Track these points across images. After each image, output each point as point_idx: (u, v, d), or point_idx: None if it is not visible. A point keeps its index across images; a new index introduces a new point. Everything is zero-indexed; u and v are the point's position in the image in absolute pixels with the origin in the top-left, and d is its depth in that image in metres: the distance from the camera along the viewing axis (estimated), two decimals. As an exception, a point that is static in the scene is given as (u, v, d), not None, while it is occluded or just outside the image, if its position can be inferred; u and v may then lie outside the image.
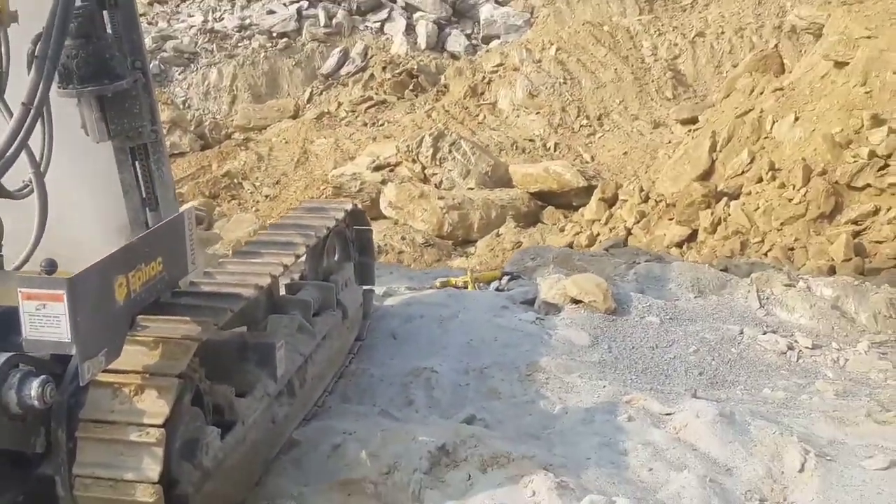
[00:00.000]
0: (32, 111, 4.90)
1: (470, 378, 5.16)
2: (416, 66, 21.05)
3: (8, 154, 4.79)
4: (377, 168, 16.55)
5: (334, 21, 21.60)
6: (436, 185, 16.02)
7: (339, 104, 20.12)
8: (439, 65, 21.72)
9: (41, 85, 4.93)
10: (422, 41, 22.20)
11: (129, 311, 3.47)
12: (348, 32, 21.71)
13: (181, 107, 18.31)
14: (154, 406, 3.32)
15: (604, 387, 5.07)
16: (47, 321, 3.11)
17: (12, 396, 3.16)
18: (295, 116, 19.60)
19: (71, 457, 3.34)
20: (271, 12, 21.05)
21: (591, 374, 5.23)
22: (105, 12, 5.74)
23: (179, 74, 18.86)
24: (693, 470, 4.15)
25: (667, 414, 4.76)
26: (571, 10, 20.95)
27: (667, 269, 7.03)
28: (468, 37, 23.01)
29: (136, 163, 6.22)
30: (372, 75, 21.42)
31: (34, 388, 3.17)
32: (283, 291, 4.98)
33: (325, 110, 19.78)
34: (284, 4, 21.48)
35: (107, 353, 3.31)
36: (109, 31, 5.79)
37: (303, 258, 5.04)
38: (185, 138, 17.30)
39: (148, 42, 18.71)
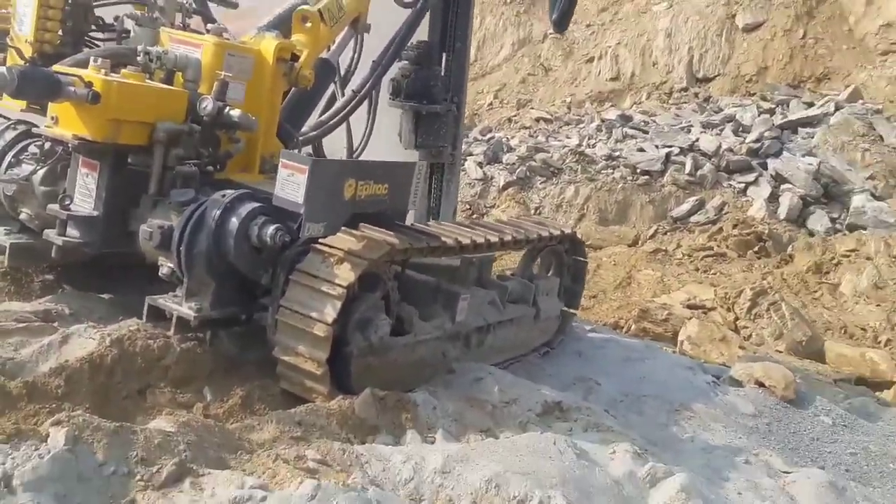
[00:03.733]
0: (356, 99, 6.58)
1: (626, 399, 5.86)
2: (766, 231, 21.33)
3: (330, 123, 6.49)
4: (690, 307, 17.02)
5: (699, 172, 22.46)
6: (744, 338, 16.18)
7: (679, 246, 20.92)
8: (792, 236, 21.75)
9: (370, 82, 6.62)
10: (782, 211, 22.36)
11: (352, 208, 4.80)
12: (710, 185, 22.49)
13: (532, 211, 20.21)
14: (345, 273, 4.55)
15: (741, 440, 5.53)
16: (292, 186, 4.52)
17: (254, 231, 4.60)
18: (632, 245, 20.74)
19: (282, 294, 4.68)
20: (641, 150, 22.46)
21: (737, 430, 5.69)
22: (444, 54, 7.46)
23: (540, 184, 20.83)
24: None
25: (785, 472, 5.13)
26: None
27: (884, 411, 7.10)
28: (833, 220, 22.75)
29: (433, 177, 7.77)
30: (721, 229, 21.97)
31: (270, 229, 4.58)
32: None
33: (664, 248, 20.70)
34: (657, 146, 22.81)
35: (325, 226, 4.66)
36: (441, 67, 7.47)
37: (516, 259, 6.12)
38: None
39: (522, 150, 21.01)
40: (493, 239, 5.56)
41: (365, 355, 4.80)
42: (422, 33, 7.46)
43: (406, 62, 7.31)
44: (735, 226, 22.46)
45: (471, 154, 21.05)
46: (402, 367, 5.09)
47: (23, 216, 5.19)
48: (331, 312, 4.49)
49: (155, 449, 3.37)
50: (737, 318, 16.52)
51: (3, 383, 4.01)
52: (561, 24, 7.29)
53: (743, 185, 23.17)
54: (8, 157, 5.18)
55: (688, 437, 5.41)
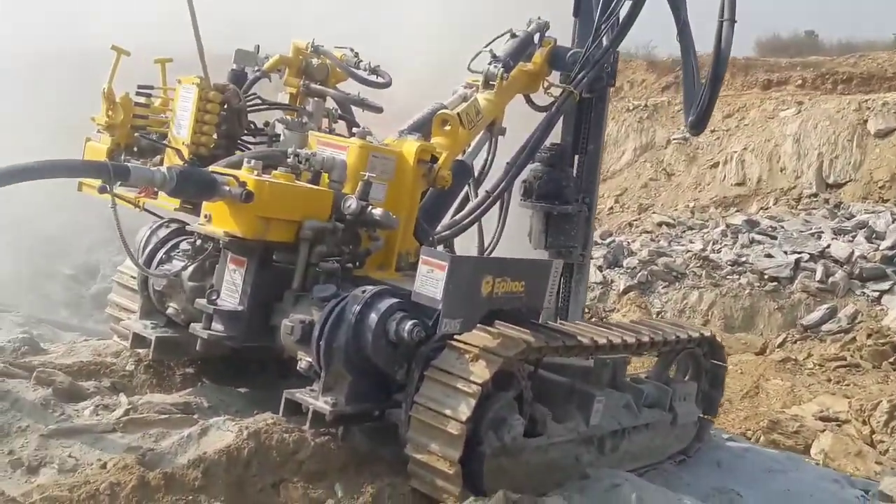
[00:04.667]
0: (489, 199, 6.66)
1: (770, 512, 5.58)
2: (902, 340, 20.36)
3: (463, 223, 6.58)
4: (823, 419, 16.26)
5: (830, 279, 21.71)
6: (881, 452, 15.30)
7: (810, 355, 20.11)
8: (930, 347, 20.74)
9: (504, 183, 6.69)
10: (919, 322, 21.40)
11: (488, 305, 4.81)
12: (842, 293, 21.67)
13: (653, 316, 19.82)
14: (480, 371, 4.54)
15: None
16: (431, 282, 4.58)
17: (392, 326, 4.65)
18: (759, 354, 20.01)
19: (416, 390, 4.68)
20: (769, 256, 21.90)
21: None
22: (577, 156, 7.50)
23: (662, 289, 20.48)
24: None
25: None
26: None
27: None
28: (971, 329, 21.61)
29: (561, 277, 7.71)
30: (854, 339, 21.08)
31: (407, 325, 4.63)
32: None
33: (793, 357, 19.91)
34: (785, 252, 22.21)
35: (461, 322, 4.68)
36: (574, 168, 7.50)
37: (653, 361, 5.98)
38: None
39: (644, 254, 20.78)
40: (630, 340, 5.45)
41: (497, 455, 4.73)
42: (554, 135, 7.55)
43: (538, 164, 7.38)
44: (869, 335, 21.45)
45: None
46: (534, 469, 4.98)
47: (170, 311, 5.40)
48: (465, 410, 4.46)
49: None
50: (873, 432, 15.64)
51: (142, 474, 4.11)
52: (699, 125, 7.16)
53: (877, 293, 22.25)
54: (160, 254, 5.42)
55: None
